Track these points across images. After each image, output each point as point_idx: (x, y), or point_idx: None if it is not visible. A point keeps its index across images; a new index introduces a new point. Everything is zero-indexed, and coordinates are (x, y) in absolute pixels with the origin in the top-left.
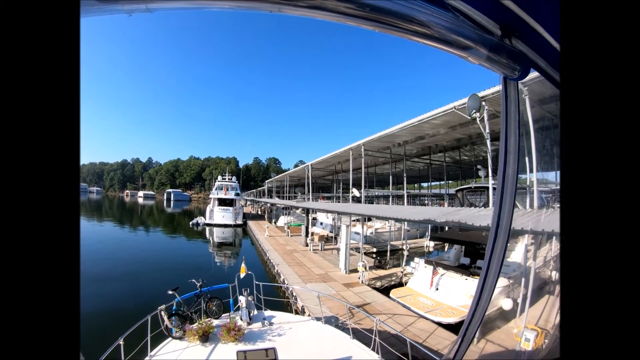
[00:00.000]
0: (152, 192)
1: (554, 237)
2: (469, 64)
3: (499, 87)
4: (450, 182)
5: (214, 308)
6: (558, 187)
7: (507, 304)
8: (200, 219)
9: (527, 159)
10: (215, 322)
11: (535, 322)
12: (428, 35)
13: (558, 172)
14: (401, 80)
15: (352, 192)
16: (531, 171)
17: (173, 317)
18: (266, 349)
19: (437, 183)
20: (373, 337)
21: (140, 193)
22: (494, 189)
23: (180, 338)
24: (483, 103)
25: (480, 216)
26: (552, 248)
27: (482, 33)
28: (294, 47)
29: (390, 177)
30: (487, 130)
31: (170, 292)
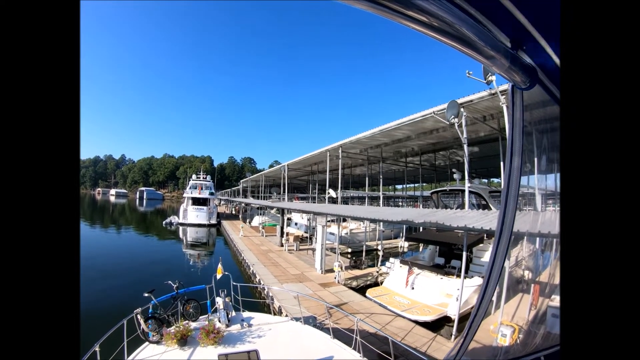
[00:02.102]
0: (125, 190)
1: (525, 238)
2: (449, 68)
3: (477, 95)
4: (424, 184)
5: (191, 310)
6: (530, 191)
7: None
8: (174, 219)
9: (502, 163)
10: (193, 324)
11: (510, 319)
12: (455, 36)
13: (530, 177)
14: (380, 82)
15: (329, 193)
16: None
17: (149, 321)
18: (248, 352)
19: (412, 185)
20: (354, 336)
21: (113, 191)
22: (470, 192)
23: (157, 342)
24: (461, 109)
25: (457, 217)
26: (523, 248)
27: (502, 44)
28: (271, 48)
29: (367, 178)
30: (465, 136)
31: (146, 295)
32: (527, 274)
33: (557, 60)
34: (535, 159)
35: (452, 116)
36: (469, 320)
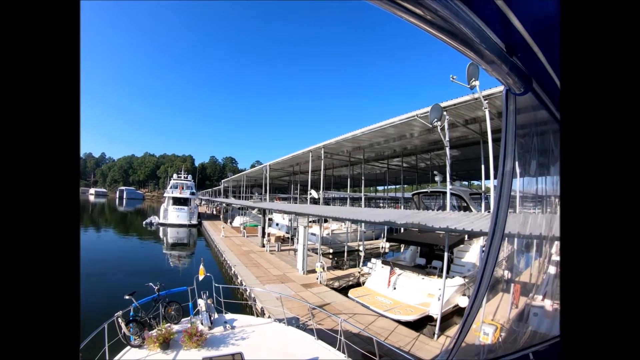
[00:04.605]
0: (104, 190)
1: (506, 239)
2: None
3: (460, 99)
4: (406, 186)
5: (172, 313)
6: (512, 194)
7: (463, 302)
8: (154, 219)
9: (482, 166)
10: (176, 327)
11: (491, 317)
12: (462, 40)
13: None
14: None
15: (311, 194)
16: (487, 178)
17: (131, 324)
18: (232, 354)
19: (393, 187)
20: (338, 337)
21: (92, 190)
22: (451, 194)
23: (139, 346)
24: (444, 113)
25: (439, 219)
26: (503, 249)
27: (502, 50)
28: (254, 47)
29: (349, 179)
30: (447, 138)
31: (127, 297)
32: (507, 274)
33: (549, 67)
34: (517, 162)
35: (435, 119)
36: (462, 320)
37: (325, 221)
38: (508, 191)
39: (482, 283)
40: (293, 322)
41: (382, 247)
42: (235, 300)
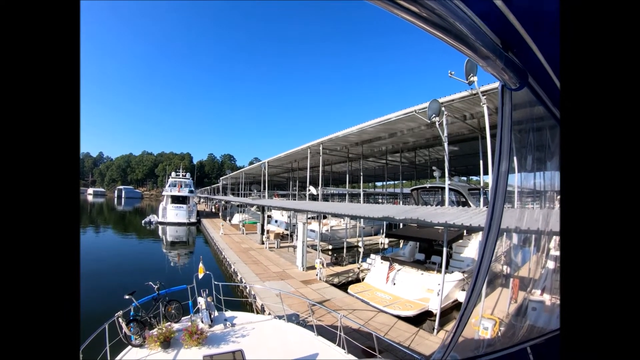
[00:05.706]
0: (103, 189)
1: (504, 234)
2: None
3: (458, 95)
4: (404, 181)
5: (173, 311)
6: (509, 189)
7: (462, 297)
8: (153, 217)
9: (481, 162)
10: (176, 326)
11: (491, 312)
12: (455, 35)
13: (512, 175)
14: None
15: (309, 190)
16: (485, 173)
17: (131, 324)
18: (233, 352)
19: (392, 182)
20: (338, 332)
21: (90, 190)
22: (450, 189)
23: (140, 345)
24: (442, 108)
25: (437, 214)
26: (502, 244)
27: (497, 45)
28: (253, 45)
29: (347, 175)
30: (445, 134)
31: (126, 297)
32: (506, 269)
33: (545, 62)
34: (515, 158)
35: (433, 115)
36: (459, 315)
37: (324, 217)
38: (504, 187)
39: (478, 278)
40: (293, 318)
41: (381, 243)
42: (235, 298)
